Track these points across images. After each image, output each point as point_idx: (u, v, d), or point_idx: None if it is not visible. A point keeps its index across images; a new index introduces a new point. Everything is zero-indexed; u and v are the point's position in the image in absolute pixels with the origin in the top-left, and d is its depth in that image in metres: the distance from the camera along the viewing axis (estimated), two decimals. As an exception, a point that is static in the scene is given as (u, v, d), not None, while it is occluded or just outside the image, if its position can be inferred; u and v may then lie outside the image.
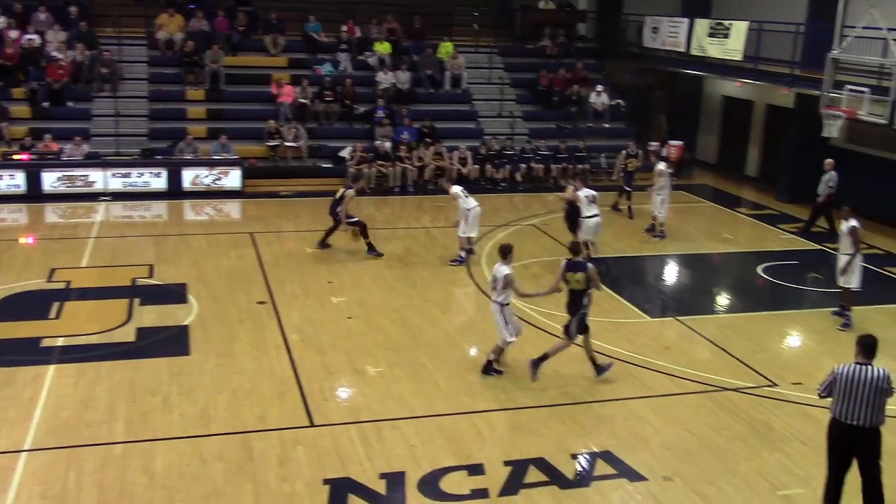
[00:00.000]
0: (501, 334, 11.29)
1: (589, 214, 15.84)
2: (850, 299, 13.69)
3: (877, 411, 7.90)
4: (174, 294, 14.00)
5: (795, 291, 15.44)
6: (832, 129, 17.29)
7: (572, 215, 16.24)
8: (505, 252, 11.28)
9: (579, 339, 11.34)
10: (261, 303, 13.77)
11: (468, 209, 15.62)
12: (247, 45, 24.68)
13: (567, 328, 11.32)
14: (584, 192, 16.02)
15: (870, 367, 7.92)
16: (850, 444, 8.06)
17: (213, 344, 12.08)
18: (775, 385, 11.43)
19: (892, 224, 19.58)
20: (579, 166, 22.32)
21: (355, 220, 16.28)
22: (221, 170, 20.91)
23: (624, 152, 20.18)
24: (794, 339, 13.55)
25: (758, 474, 9.23)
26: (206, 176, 20.82)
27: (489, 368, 11.40)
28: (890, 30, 15.88)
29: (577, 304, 11.18)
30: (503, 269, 11.12)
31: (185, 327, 12.66)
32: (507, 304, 11.23)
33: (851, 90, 16.73)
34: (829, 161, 18.60)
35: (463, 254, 15.96)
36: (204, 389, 10.69)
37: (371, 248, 16.22)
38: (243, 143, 22.13)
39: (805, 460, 9.55)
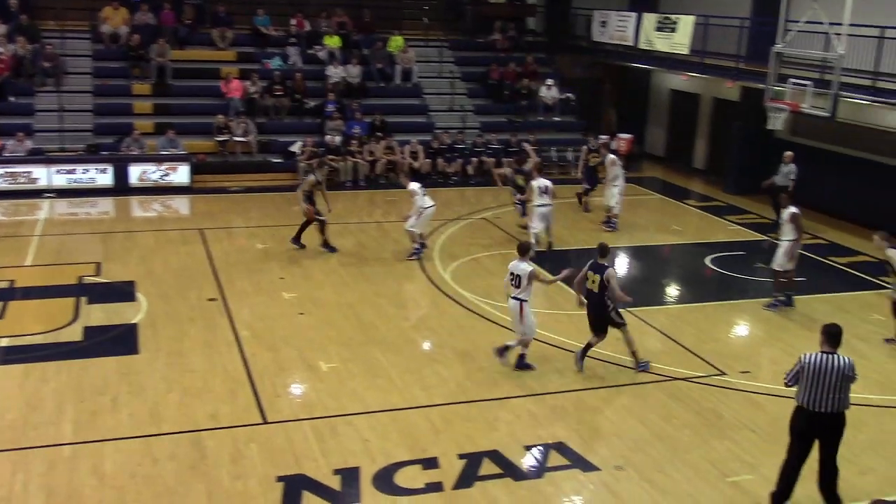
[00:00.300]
0: (518, 328, 11.34)
1: (539, 203, 16.22)
2: (785, 284, 14.10)
3: (842, 398, 8.10)
4: (122, 292, 13.78)
5: (742, 281, 15.70)
6: (776, 122, 17.61)
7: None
8: (524, 250, 11.35)
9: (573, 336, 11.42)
10: (211, 300, 13.62)
11: (424, 207, 15.64)
12: (194, 38, 24.35)
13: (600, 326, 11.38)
14: (538, 182, 16.35)
15: (836, 356, 8.09)
16: (816, 430, 8.23)
17: (163, 342, 11.92)
18: (724, 374, 11.63)
19: (834, 214, 20.02)
20: (525, 146, 22.36)
21: (321, 218, 16.05)
22: (169, 165, 20.63)
23: (585, 148, 20.25)
24: (741, 329, 13.79)
25: (707, 462, 9.39)
26: (154, 172, 20.52)
27: (522, 363, 11.43)
28: (832, 24, 16.21)
29: (592, 302, 11.26)
30: (525, 267, 11.15)
31: (134, 326, 12.47)
32: (527, 301, 11.20)
33: (795, 83, 17.05)
34: (788, 153, 18.98)
35: (417, 246, 15.96)
36: (154, 388, 10.55)
37: (326, 244, 16.12)
38: (191, 138, 21.84)
39: (753, 447, 9.74)
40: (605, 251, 11.35)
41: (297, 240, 16.27)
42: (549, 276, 12.09)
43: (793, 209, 13.87)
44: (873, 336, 13.15)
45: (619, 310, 11.53)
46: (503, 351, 11.50)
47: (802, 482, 8.71)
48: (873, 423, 10.36)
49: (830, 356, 8.09)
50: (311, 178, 16.03)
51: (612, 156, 18.79)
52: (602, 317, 11.29)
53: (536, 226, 16.38)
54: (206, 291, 13.95)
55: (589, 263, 11.31)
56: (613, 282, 11.05)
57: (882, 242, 12.63)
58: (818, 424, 8.19)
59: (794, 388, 8.30)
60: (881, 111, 18.35)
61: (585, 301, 11.36)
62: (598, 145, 20.15)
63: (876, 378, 11.61)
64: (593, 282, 11.13)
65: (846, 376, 8.06)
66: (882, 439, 9.91)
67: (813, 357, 8.10)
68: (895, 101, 16.87)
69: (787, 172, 18.86)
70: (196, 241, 16.68)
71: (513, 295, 11.26)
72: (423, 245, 16.11)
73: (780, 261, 13.93)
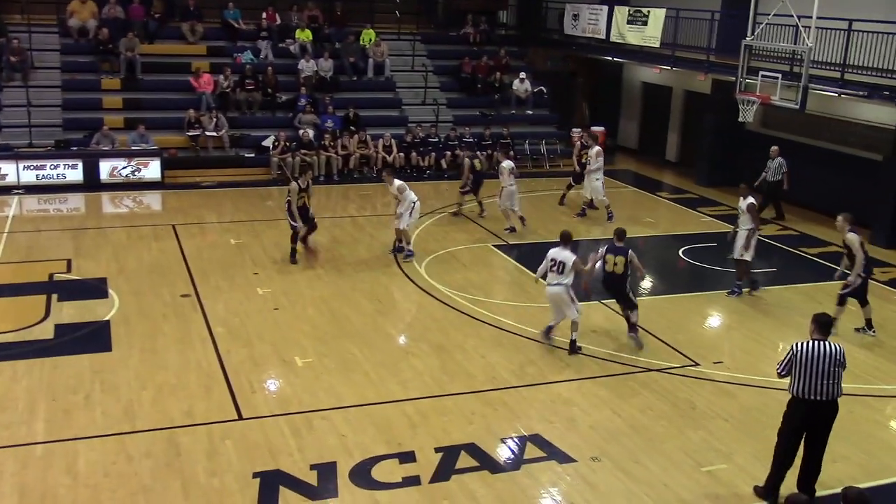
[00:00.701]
0: (570, 313, 11.79)
1: (506, 184, 17.29)
2: (745, 272, 14.40)
3: (835, 384, 8.21)
4: (94, 289, 13.64)
5: (715, 273, 15.83)
6: (747, 114, 17.73)
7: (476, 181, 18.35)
8: (567, 238, 11.93)
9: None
10: (185, 296, 13.52)
11: (414, 202, 15.41)
12: (164, 32, 24.11)
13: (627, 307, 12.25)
14: (506, 163, 17.33)
15: (827, 343, 8.19)
16: (813, 419, 8.31)
17: (136, 339, 11.83)
18: (697, 364, 11.73)
19: (804, 205, 20.21)
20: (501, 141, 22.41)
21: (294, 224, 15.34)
22: (140, 161, 20.43)
23: (578, 143, 20.19)
24: (714, 320, 13.91)
25: (682, 452, 9.47)
26: (125, 167, 20.32)
27: (574, 347, 11.83)
28: (801, 17, 16.35)
29: (614, 284, 12.09)
30: (569, 255, 11.71)
31: (107, 323, 12.36)
32: (570, 285, 11.72)
33: (765, 76, 17.18)
34: (774, 148, 19.20)
35: (410, 246, 15.62)
36: (128, 385, 10.46)
37: (293, 254, 15.29)
38: (162, 133, 21.65)
39: (727, 437, 9.83)
40: (622, 235, 12.19)
41: (293, 254, 15.35)
42: (587, 265, 12.29)
43: (751, 199, 14.30)
44: (843, 325, 13.30)
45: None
46: (549, 332, 12.09)
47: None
48: (844, 411, 10.39)
49: (822, 343, 8.18)
50: (294, 185, 15.19)
51: (598, 148, 18.94)
52: (625, 294, 12.15)
53: (507, 203, 17.49)
54: (179, 287, 13.85)
55: (605, 248, 12.14)
56: (636, 260, 12.05)
57: (844, 225, 12.84)
58: (816, 413, 8.26)
59: (784, 380, 8.35)
60: (849, 103, 18.57)
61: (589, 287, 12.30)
62: (591, 141, 19.71)
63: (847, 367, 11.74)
64: (615, 264, 11.91)
65: (839, 362, 8.17)
66: (853, 428, 10.04)
67: (805, 345, 8.17)
68: (863, 94, 17.07)
69: (776, 167, 19.04)
70: (168, 236, 16.55)
71: (556, 282, 11.73)
72: (400, 249, 15.84)
73: (739, 250, 14.23)
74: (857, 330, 13.10)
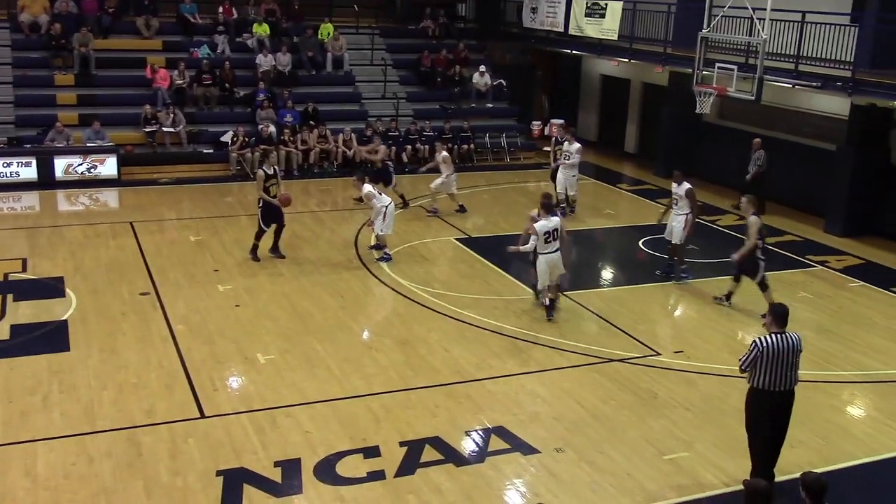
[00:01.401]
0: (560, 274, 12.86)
1: (447, 173, 18.05)
2: (683, 255, 14.78)
3: (796, 374, 8.33)
4: (51, 288, 13.42)
5: (675, 262, 15.97)
6: (704, 106, 17.93)
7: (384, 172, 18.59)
8: (550, 206, 12.77)
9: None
10: (144, 294, 13.36)
11: (384, 206, 15.00)
12: (118, 27, 23.74)
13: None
14: (444, 154, 18.13)
15: (788, 334, 8.25)
16: (780, 409, 8.40)
17: (95, 338, 11.67)
18: (658, 354, 11.86)
19: (759, 195, 20.43)
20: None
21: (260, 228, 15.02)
22: (96, 158, 20.12)
23: (554, 139, 19.98)
24: (674, 310, 14.06)
25: (644, 441, 9.57)
26: (80, 164, 20.00)
27: (551, 309, 12.78)
28: (755, 9, 16.55)
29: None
30: (557, 220, 12.67)
31: (64, 322, 12.17)
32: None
33: (721, 68, 17.38)
34: (756, 140, 19.45)
35: (386, 250, 15.31)
36: (87, 386, 10.32)
37: (254, 250, 15.02)
38: (118, 129, 21.33)
39: (688, 425, 9.96)
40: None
41: (274, 249, 15.14)
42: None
43: (687, 185, 14.62)
44: (799, 313, 13.52)
45: None
46: (545, 299, 12.85)
47: (737, 457, 8.96)
48: (801, 397, 10.55)
49: (784, 335, 8.22)
50: (260, 172, 14.88)
51: (578, 144, 18.65)
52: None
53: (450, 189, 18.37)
54: (138, 285, 13.68)
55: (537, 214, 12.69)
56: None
57: (748, 207, 13.15)
58: (781, 404, 8.36)
59: (744, 372, 8.38)
60: (803, 94, 18.86)
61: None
62: (566, 136, 19.30)
63: (804, 354, 11.91)
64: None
65: (799, 350, 8.29)
66: (809, 414, 10.22)
67: (770, 340, 8.16)
68: (816, 84, 17.35)
69: (756, 158, 19.28)
70: (126, 234, 16.34)
71: (556, 248, 12.55)
72: (378, 247, 15.55)
73: (679, 235, 14.53)
74: (716, 298, 13.69)
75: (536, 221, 12.66)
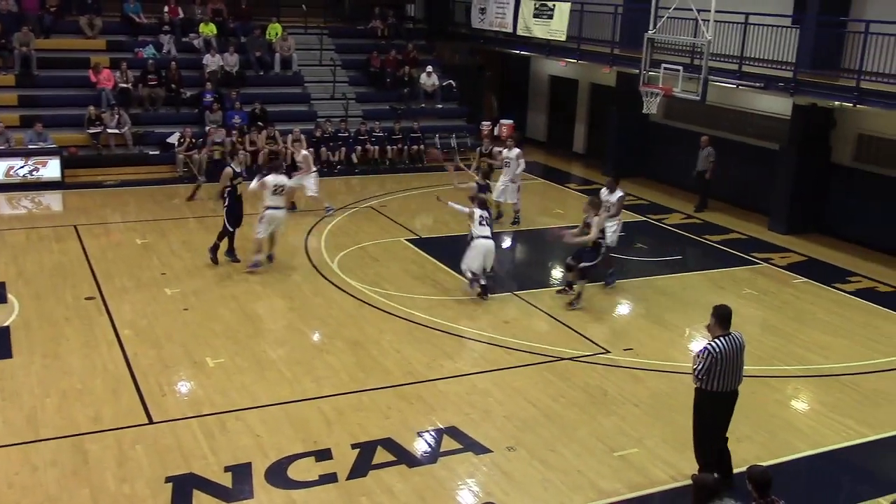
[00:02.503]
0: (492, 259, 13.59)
1: (310, 172, 17.76)
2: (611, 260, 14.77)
3: (742, 372, 8.43)
4: (-9, 294, 13.13)
5: (623, 262, 16.16)
6: (651, 106, 18.14)
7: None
8: (483, 202, 13.94)
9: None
10: (89, 298, 13.12)
11: (266, 207, 14.30)
12: (60, 27, 23.27)
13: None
14: (304, 153, 17.97)
15: (733, 335, 8.30)
16: (729, 409, 8.51)
17: (38, 344, 11.42)
18: (608, 352, 11.98)
19: (708, 194, 20.76)
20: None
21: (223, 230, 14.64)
22: (38, 160, 19.69)
23: (478, 150, 19.32)
24: (623, 308, 14.21)
25: (595, 438, 9.66)
26: (22, 167, 19.55)
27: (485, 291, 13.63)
28: (700, 10, 16.80)
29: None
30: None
31: (6, 329, 11.89)
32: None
33: (667, 68, 17.61)
34: (704, 138, 19.80)
35: (258, 256, 14.63)
36: (30, 393, 10.10)
37: (213, 250, 14.74)
38: (61, 130, 20.91)
39: (638, 422, 10.08)
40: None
41: (230, 252, 14.80)
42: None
43: (620, 192, 14.79)
44: (744, 310, 13.78)
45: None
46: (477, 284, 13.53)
47: (686, 452, 9.08)
48: (746, 392, 10.75)
49: (730, 336, 8.26)
50: (228, 169, 14.61)
51: (517, 150, 18.15)
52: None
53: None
54: (82, 290, 13.43)
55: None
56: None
57: (590, 210, 13.41)
58: (729, 404, 8.48)
59: (699, 381, 8.33)
60: (747, 94, 19.21)
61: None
62: (490, 147, 18.92)
63: (749, 350, 12.13)
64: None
65: (744, 349, 8.39)
66: (755, 408, 10.42)
67: (721, 345, 8.16)
68: (759, 85, 17.67)
69: (706, 155, 19.57)
70: (70, 238, 16.02)
71: (485, 234, 13.38)
72: (270, 258, 14.90)
73: (612, 238, 14.56)
74: (558, 292, 13.92)
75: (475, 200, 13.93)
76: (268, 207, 14.23)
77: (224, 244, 14.83)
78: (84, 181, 20.10)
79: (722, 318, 8.32)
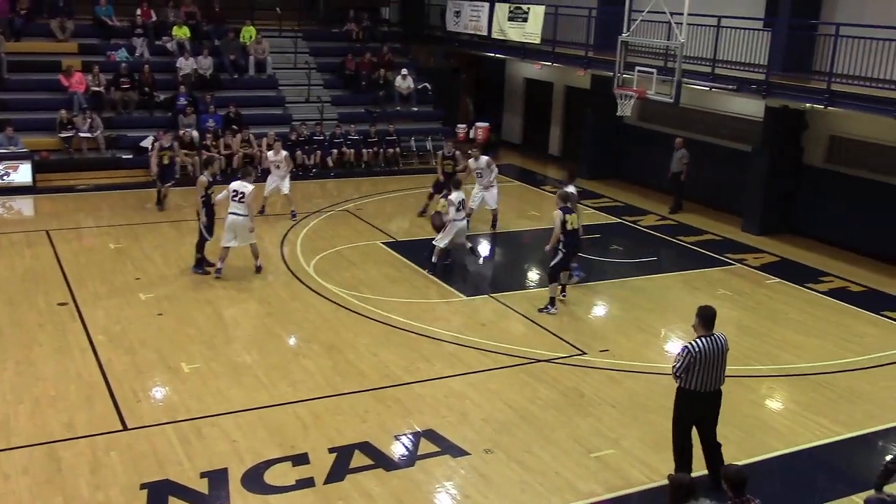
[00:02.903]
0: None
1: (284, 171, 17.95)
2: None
3: (724, 373, 8.45)
4: (-38, 300, 12.95)
5: (598, 263, 16.25)
6: (625, 108, 18.24)
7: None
8: (459, 182, 15.35)
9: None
10: (62, 304, 12.98)
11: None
12: (31, 29, 23.04)
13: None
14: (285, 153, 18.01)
15: (715, 336, 8.34)
16: (708, 409, 8.54)
17: (10, 350, 11.28)
18: (584, 353, 12.02)
19: (681, 196, 20.92)
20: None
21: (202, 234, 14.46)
22: (9, 164, 19.45)
23: (440, 154, 19.12)
24: (599, 309, 14.27)
25: (572, 439, 9.69)
26: (-8, 171, 19.35)
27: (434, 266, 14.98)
28: (673, 13, 16.92)
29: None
30: (459, 194, 15.08)
31: (-23, 335, 11.76)
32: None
33: (641, 71, 17.72)
34: (678, 140, 19.94)
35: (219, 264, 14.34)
36: (2, 399, 9.97)
37: (199, 264, 14.47)
38: (33, 134, 20.68)
39: (614, 422, 10.11)
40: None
41: (200, 265, 14.49)
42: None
43: (485, 157, 16.99)
44: (719, 310, 13.81)
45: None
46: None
47: (663, 453, 9.12)
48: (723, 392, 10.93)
49: (713, 338, 8.30)
50: (203, 178, 14.39)
51: (486, 157, 17.97)
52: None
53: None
54: (55, 296, 13.29)
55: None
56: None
57: (557, 202, 13.60)
58: (711, 403, 8.51)
59: (678, 378, 8.36)
60: (720, 96, 19.37)
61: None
62: (453, 150, 18.66)
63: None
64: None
65: (726, 351, 8.43)
66: (730, 408, 10.42)
67: (702, 344, 8.20)
68: (732, 87, 17.82)
69: (679, 157, 19.70)
70: (43, 243, 15.85)
71: (460, 217, 14.89)
72: (258, 269, 14.56)
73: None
74: (540, 310, 13.47)
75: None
76: (229, 213, 14.12)
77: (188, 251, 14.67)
78: (56, 185, 19.90)
79: (705, 318, 8.38)
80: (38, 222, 17.48)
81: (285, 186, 17.91)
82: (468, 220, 16.28)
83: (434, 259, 15.04)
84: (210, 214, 14.37)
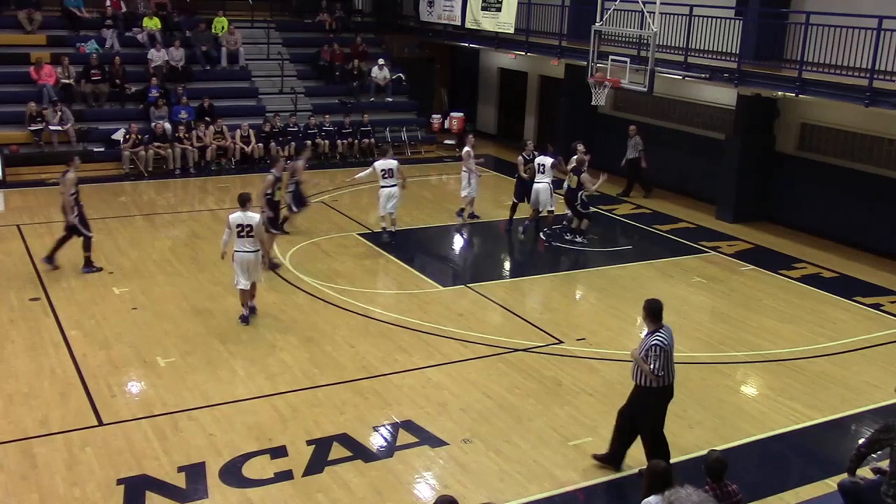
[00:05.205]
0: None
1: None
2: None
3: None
4: (-68, 297, 12.78)
5: (574, 252, 16.31)
6: (599, 98, 18.29)
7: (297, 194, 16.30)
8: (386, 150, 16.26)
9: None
10: (34, 299, 12.84)
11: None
12: (-2, 21, 22.74)
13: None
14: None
15: (667, 327, 8.35)
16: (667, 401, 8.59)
17: (-18, 347, 11.16)
18: (561, 342, 12.07)
19: (654, 184, 21.02)
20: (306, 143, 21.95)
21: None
22: (-22, 158, 19.23)
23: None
24: (575, 298, 14.32)
25: (550, 428, 9.73)
26: (-39, 166, 19.08)
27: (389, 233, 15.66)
28: (645, 3, 16.97)
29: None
30: (393, 161, 16.03)
31: (-52, 332, 11.61)
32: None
33: (614, 60, 17.76)
34: (632, 127, 20.11)
35: None
36: (-25, 397, 9.87)
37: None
38: (1, 128, 20.43)
39: (592, 410, 10.17)
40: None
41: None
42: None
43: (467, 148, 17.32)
44: (694, 297, 14.00)
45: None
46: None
47: (639, 440, 9.17)
48: (696, 378, 11.04)
49: (667, 328, 8.34)
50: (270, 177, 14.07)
51: (467, 148, 17.93)
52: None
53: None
54: (27, 291, 13.14)
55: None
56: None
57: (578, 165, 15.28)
58: (669, 395, 8.57)
59: (659, 377, 8.29)
60: (693, 85, 19.46)
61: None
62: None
63: (699, 337, 12.39)
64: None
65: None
66: (707, 394, 10.59)
67: (666, 337, 8.23)
68: (705, 76, 17.91)
69: (634, 145, 19.85)
70: (13, 237, 15.66)
71: (389, 184, 15.75)
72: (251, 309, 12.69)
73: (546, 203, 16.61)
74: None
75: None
76: (235, 251, 12.10)
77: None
78: (26, 179, 19.65)
79: (655, 311, 8.33)
80: (9, 217, 17.26)
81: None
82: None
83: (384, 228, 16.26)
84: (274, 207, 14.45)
